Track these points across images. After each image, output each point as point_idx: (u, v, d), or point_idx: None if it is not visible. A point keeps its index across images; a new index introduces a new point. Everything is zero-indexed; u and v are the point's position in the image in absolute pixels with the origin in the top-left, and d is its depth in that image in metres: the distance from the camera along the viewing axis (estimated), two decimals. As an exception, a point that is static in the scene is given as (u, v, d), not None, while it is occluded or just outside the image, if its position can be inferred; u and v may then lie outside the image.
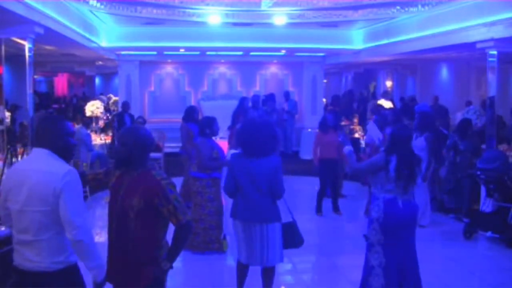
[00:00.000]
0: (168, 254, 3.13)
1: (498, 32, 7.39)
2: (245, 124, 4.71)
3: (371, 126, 8.17)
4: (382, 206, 4.38)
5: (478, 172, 6.93)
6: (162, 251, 3.13)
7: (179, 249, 3.17)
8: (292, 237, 4.64)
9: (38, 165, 2.86)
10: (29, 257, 2.82)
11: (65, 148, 2.96)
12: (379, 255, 4.40)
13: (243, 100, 10.03)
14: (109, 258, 3.19)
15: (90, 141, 9.99)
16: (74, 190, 2.82)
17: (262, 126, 4.57)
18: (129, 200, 3.04)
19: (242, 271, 4.73)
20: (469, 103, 11.94)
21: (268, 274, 4.64)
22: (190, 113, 7.97)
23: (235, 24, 11.04)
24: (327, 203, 8.13)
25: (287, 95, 13.72)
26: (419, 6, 8.88)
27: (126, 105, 10.53)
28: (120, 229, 3.08)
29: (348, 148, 4.75)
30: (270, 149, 4.49)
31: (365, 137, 9.47)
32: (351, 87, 19.35)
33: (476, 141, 8.09)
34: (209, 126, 6.15)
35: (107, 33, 11.67)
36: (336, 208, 8.07)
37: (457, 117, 11.91)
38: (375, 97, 14.66)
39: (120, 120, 10.21)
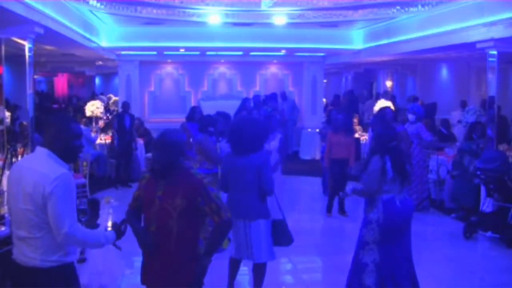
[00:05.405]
0: (208, 248, 3.19)
1: (498, 32, 7.39)
2: (233, 122, 4.77)
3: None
4: (381, 207, 4.35)
5: (478, 172, 6.92)
6: (199, 248, 3.18)
7: (218, 244, 3.25)
8: (280, 235, 4.59)
9: (35, 165, 2.85)
10: (25, 253, 2.84)
11: (67, 149, 2.91)
12: (373, 252, 4.38)
13: (245, 101, 10.10)
14: (146, 261, 3.20)
15: (89, 133, 9.93)
16: (63, 194, 2.75)
17: (249, 124, 4.63)
18: (171, 200, 3.06)
19: (233, 265, 4.75)
20: (463, 103, 11.95)
21: (257, 271, 4.60)
22: (192, 113, 7.97)
23: (235, 24, 11.05)
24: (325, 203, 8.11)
25: (283, 95, 13.50)
26: (419, 6, 8.88)
27: (126, 106, 10.45)
28: (161, 230, 3.08)
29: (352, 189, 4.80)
30: (257, 146, 4.51)
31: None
32: (351, 87, 19.32)
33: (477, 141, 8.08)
34: (213, 124, 6.22)
35: (107, 33, 11.67)
36: (342, 210, 8.06)
37: (454, 116, 11.93)
38: (377, 97, 14.62)
39: (120, 121, 10.16)
